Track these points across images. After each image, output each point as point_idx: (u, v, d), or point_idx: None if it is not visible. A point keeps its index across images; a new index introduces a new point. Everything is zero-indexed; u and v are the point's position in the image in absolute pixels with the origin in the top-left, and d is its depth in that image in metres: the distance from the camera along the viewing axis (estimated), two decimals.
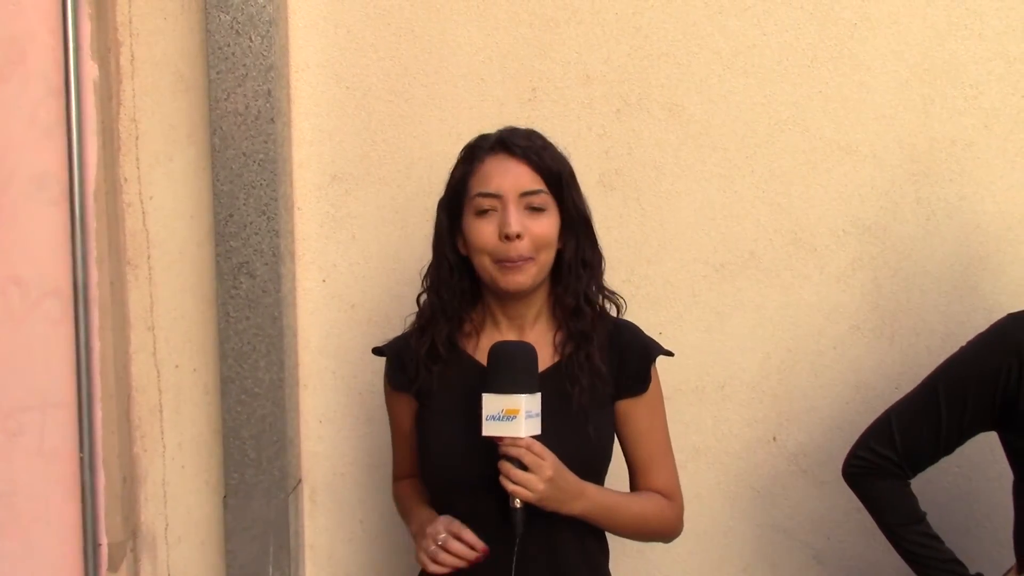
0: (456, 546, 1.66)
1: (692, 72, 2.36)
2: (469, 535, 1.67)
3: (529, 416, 1.62)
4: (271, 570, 2.40)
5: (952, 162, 2.35)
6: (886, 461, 1.91)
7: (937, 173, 2.36)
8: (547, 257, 1.74)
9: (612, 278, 2.30)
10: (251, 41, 2.30)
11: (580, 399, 1.74)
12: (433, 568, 1.67)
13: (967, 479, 2.37)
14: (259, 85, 2.30)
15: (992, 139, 2.34)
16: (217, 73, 2.31)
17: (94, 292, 2.33)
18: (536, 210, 1.72)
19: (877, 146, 2.36)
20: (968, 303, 2.37)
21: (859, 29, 2.34)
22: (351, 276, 2.44)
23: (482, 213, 1.71)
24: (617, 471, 1.86)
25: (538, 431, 1.64)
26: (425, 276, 1.84)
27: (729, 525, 2.47)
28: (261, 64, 2.30)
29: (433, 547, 1.67)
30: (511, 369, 1.64)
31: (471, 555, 1.66)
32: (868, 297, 2.39)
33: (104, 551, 2.40)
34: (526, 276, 1.72)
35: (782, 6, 2.34)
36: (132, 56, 2.39)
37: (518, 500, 1.64)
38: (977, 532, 2.37)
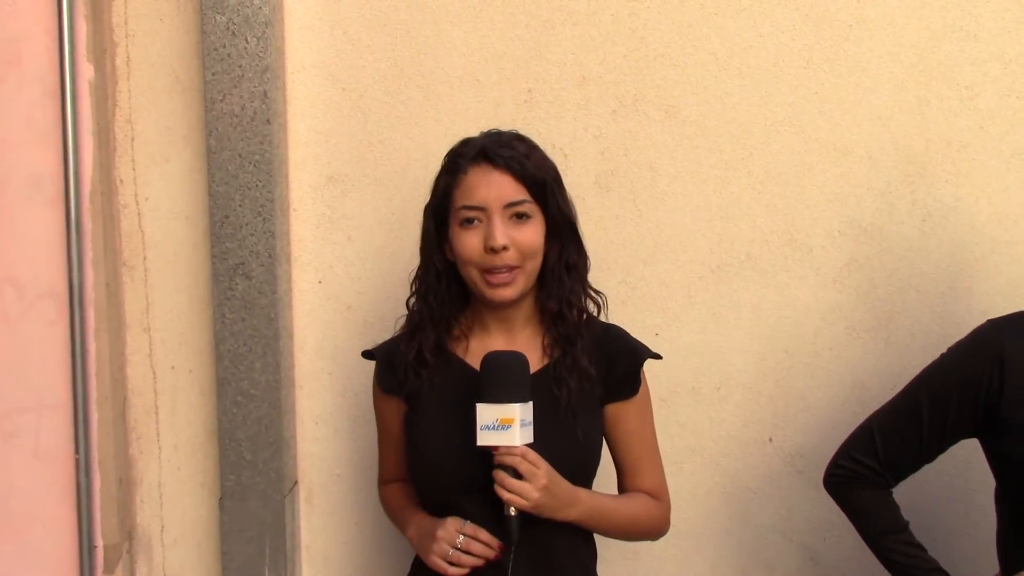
0: (477, 547, 1.70)
1: (688, 73, 2.36)
2: (485, 534, 1.71)
3: (523, 425, 1.64)
4: (267, 572, 2.39)
5: (948, 163, 2.36)
6: (868, 470, 1.90)
7: (933, 174, 2.36)
8: (534, 265, 1.75)
9: (608, 279, 2.32)
10: (247, 42, 2.29)
11: (568, 401, 1.76)
12: (452, 571, 1.71)
13: (963, 479, 2.37)
14: (255, 86, 2.30)
15: (988, 140, 2.35)
16: (213, 74, 2.31)
17: (90, 293, 2.33)
18: (521, 218, 1.72)
19: (873, 147, 2.36)
20: (964, 304, 2.37)
21: (855, 31, 2.34)
22: (347, 277, 2.44)
23: (467, 224, 1.72)
24: (603, 470, 1.87)
25: (531, 439, 1.66)
26: (414, 280, 1.85)
27: (725, 526, 2.47)
28: (257, 65, 2.30)
29: (452, 551, 1.70)
30: (504, 379, 1.65)
31: (491, 553, 1.70)
32: (864, 298, 2.39)
33: (100, 553, 2.39)
34: (513, 289, 1.73)
35: (778, 8, 2.34)
36: (128, 57, 2.39)
37: (513, 508, 1.65)
38: (974, 533, 2.37)
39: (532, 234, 1.73)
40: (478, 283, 1.74)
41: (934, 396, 1.84)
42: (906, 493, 1.95)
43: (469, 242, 1.72)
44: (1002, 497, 1.87)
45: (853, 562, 2.43)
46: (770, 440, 2.44)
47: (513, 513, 1.66)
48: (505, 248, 1.69)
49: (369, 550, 2.51)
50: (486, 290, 1.73)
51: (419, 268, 1.84)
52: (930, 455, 1.90)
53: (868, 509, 1.92)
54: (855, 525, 1.94)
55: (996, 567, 1.92)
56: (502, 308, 1.79)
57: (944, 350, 1.92)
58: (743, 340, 2.41)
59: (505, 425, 1.63)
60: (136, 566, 2.49)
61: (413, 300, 1.85)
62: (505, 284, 1.72)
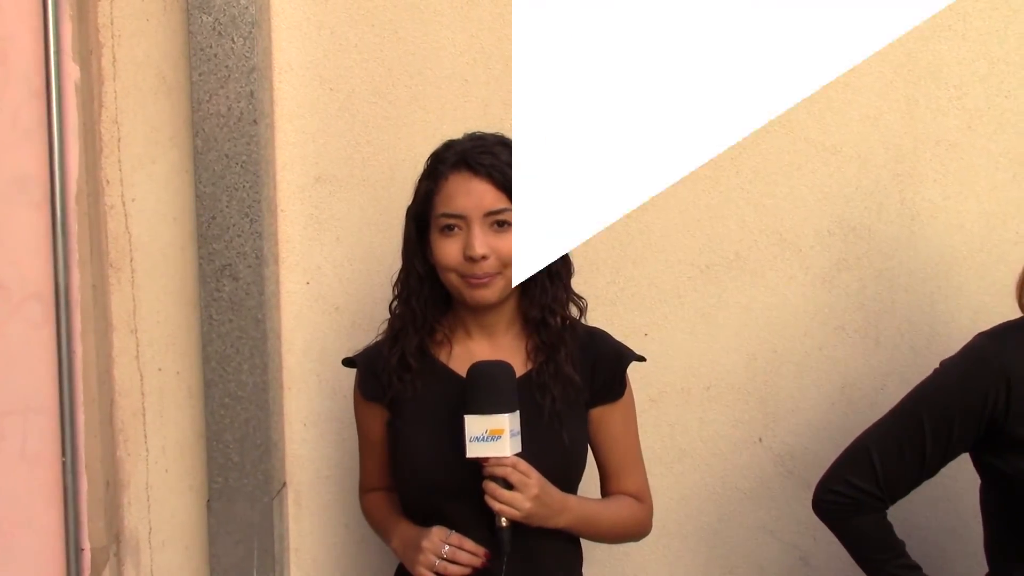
0: (464, 556, 1.69)
1: None
2: (470, 543, 1.70)
3: (512, 434, 1.63)
4: (255, 574, 2.38)
5: (936, 163, 2.35)
6: (866, 495, 1.84)
7: (921, 174, 2.36)
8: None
9: (597, 279, 2.32)
10: (233, 42, 2.28)
11: (553, 407, 1.75)
12: None
13: (953, 480, 2.36)
14: (242, 87, 2.29)
15: (976, 139, 2.35)
16: (199, 75, 2.30)
17: (76, 295, 2.32)
18: (502, 226, 1.70)
19: (861, 147, 2.36)
20: (953, 303, 2.37)
21: None
22: (335, 278, 2.43)
23: (447, 231, 1.71)
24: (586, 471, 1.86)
25: (519, 449, 1.65)
26: (396, 284, 1.84)
27: (715, 527, 2.46)
28: (244, 66, 2.29)
29: (438, 561, 1.69)
30: (492, 389, 1.64)
31: (477, 562, 1.69)
32: (853, 298, 2.39)
33: (87, 556, 2.38)
34: (493, 291, 1.72)
35: None
36: (114, 58, 2.38)
37: (504, 519, 1.64)
38: (963, 533, 2.37)
39: (512, 243, 1.72)
40: (458, 286, 1.73)
41: (937, 417, 1.78)
42: None
43: (448, 249, 1.71)
44: (996, 507, 1.83)
45: (843, 562, 2.41)
46: (760, 440, 2.44)
47: (505, 524, 1.65)
48: (484, 257, 1.68)
49: (358, 552, 2.50)
50: (466, 292, 1.72)
51: (401, 271, 1.83)
52: (931, 474, 1.85)
53: (868, 536, 1.86)
54: (852, 552, 1.89)
55: (985, 567, 1.92)
56: (484, 313, 1.78)
57: (935, 349, 1.92)
58: (732, 340, 2.41)
59: (494, 436, 1.62)
60: (123, 569, 2.48)
61: (395, 304, 1.85)
62: (484, 286, 1.71)
